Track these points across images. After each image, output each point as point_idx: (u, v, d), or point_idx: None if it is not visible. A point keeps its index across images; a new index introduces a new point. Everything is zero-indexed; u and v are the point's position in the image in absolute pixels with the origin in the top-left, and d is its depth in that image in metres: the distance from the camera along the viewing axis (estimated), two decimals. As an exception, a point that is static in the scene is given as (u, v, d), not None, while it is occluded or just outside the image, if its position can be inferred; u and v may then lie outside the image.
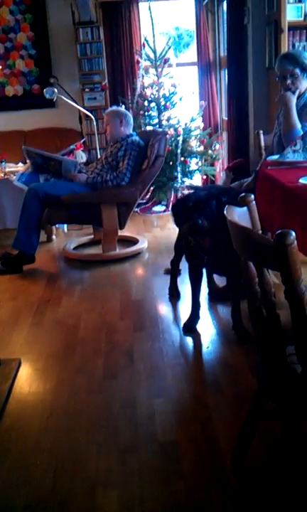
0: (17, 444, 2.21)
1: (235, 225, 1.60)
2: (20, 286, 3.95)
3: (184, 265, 4.04)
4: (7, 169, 4.98)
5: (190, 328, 3.10)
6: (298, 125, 3.32)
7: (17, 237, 4.23)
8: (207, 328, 3.11)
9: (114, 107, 4.88)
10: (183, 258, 3.39)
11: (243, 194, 1.86)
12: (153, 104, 5.93)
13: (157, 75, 5.86)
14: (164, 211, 5.85)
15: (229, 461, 1.98)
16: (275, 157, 3.21)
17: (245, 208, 1.84)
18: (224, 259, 2.81)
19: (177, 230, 4.83)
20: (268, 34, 4.89)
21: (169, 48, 5.89)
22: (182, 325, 3.14)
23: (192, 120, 5.91)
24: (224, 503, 1.84)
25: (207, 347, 2.91)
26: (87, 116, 5.69)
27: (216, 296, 3.46)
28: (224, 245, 2.59)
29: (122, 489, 1.92)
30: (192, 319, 3.12)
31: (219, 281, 3.70)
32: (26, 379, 2.72)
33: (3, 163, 5.02)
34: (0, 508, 1.88)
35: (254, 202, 1.85)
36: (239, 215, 1.75)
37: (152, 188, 5.73)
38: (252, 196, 1.85)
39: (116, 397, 2.48)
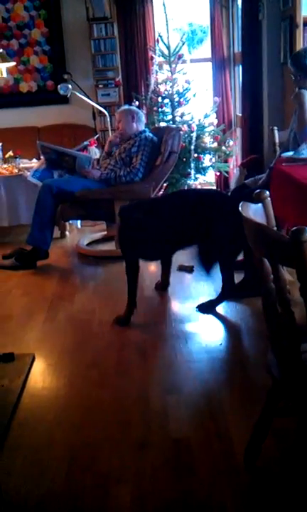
0: (30, 439, 2.22)
1: (250, 222, 1.59)
2: (33, 282, 3.97)
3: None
4: (21, 165, 5.00)
5: (123, 321, 3.21)
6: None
7: (31, 232, 4.25)
8: (220, 325, 3.11)
9: (126, 106, 4.88)
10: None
11: (258, 191, 1.85)
12: (166, 101, 5.90)
13: (171, 71, 5.84)
14: (177, 208, 5.83)
15: (242, 458, 1.98)
16: (290, 153, 3.19)
17: (260, 205, 1.83)
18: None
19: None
20: (284, 30, 4.84)
21: (183, 43, 5.87)
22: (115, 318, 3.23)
23: (206, 116, 5.88)
24: (236, 499, 1.83)
25: (220, 344, 2.90)
26: (101, 112, 5.69)
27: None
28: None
29: (135, 484, 1.92)
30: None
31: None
32: (40, 374, 2.74)
33: (17, 159, 5.04)
34: (14, 501, 1.89)
35: (269, 198, 1.84)
36: (254, 211, 1.74)
37: (165, 185, 5.71)
38: (267, 193, 1.84)
39: (129, 393, 2.48)
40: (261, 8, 5.15)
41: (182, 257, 4.24)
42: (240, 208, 1.69)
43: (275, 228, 1.84)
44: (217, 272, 3.89)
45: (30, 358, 2.83)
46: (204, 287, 3.68)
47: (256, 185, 3.68)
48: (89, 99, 5.71)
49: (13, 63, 5.24)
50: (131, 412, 2.34)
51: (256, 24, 5.22)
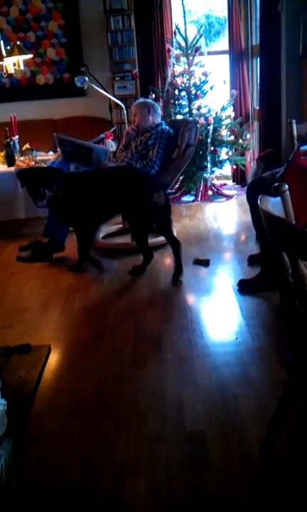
0: (46, 430, 2.24)
1: (269, 215, 1.58)
2: (50, 274, 3.99)
3: (214, 257, 4.03)
4: (38, 158, 5.01)
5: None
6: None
7: (47, 225, 4.27)
8: (236, 319, 3.10)
9: (142, 99, 4.86)
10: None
11: (277, 184, 1.84)
12: (183, 93, 5.88)
13: (188, 64, 5.81)
14: (193, 201, 5.82)
15: (257, 453, 1.98)
16: (308, 147, 3.16)
17: (278, 198, 1.82)
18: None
19: (205, 219, 4.81)
20: (303, 21, 4.79)
21: (200, 36, 5.83)
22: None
23: (223, 109, 5.85)
24: (250, 493, 1.83)
25: (236, 338, 2.89)
26: (117, 104, 5.68)
27: (245, 288, 3.43)
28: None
29: (150, 477, 1.93)
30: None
31: (248, 273, 3.68)
32: (56, 365, 2.75)
33: (34, 152, 5.05)
34: (30, 492, 1.91)
35: (287, 192, 1.83)
36: (272, 204, 1.72)
37: (181, 178, 5.70)
38: (286, 186, 1.82)
39: (145, 386, 2.49)
40: (280, -1, 5.09)
41: (197, 250, 4.24)
42: (259, 202, 1.68)
43: (294, 222, 1.82)
44: (234, 266, 3.90)
45: (46, 350, 2.84)
46: (219, 280, 3.67)
47: (273, 178, 3.65)
48: (106, 91, 5.70)
49: (30, 56, 5.24)
50: (147, 405, 2.35)
51: (275, 16, 5.16)
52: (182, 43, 5.80)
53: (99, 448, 2.10)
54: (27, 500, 1.88)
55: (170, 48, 5.94)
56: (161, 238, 4.48)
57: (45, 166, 4.50)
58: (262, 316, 3.10)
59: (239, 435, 2.12)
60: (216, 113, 5.78)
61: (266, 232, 1.61)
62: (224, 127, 5.81)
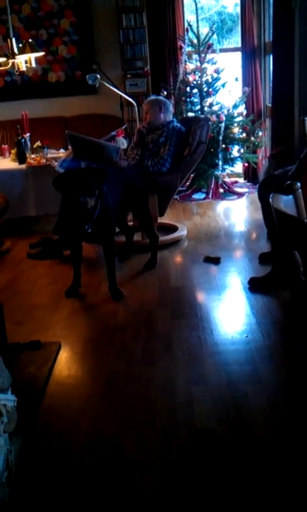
0: (56, 426, 2.25)
1: (281, 213, 1.57)
2: (60, 271, 4.00)
3: (224, 255, 4.03)
4: (49, 155, 5.02)
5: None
6: None
7: (57, 222, 4.27)
8: (246, 318, 3.09)
9: (153, 96, 4.85)
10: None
11: (289, 182, 1.83)
12: (195, 91, 5.87)
13: (200, 61, 5.79)
14: (204, 199, 5.81)
15: (267, 451, 1.97)
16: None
17: (291, 196, 1.81)
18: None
19: (216, 217, 4.82)
20: (316, 18, 4.75)
21: (213, 33, 5.81)
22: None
23: (235, 107, 5.83)
24: (260, 492, 1.82)
25: (246, 336, 2.88)
26: (129, 102, 5.67)
27: (255, 286, 3.42)
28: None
29: (159, 474, 1.93)
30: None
31: (259, 271, 3.67)
32: (66, 362, 2.76)
33: (45, 149, 5.06)
34: (40, 488, 1.92)
35: (300, 190, 1.82)
36: (284, 203, 1.72)
37: (192, 175, 5.68)
38: (298, 184, 1.81)
39: (155, 383, 2.49)
40: (293, -5, 5.05)
41: (208, 248, 4.24)
42: (271, 200, 1.67)
43: (306, 220, 1.81)
44: (245, 264, 3.89)
45: (56, 347, 2.85)
46: (230, 278, 3.66)
47: (285, 176, 3.63)
48: (117, 89, 5.69)
49: (42, 53, 5.24)
50: (157, 403, 2.35)
51: (288, 12, 5.12)
52: (194, 40, 5.78)
53: (109, 444, 2.11)
54: (36, 495, 1.88)
55: (182, 45, 5.92)
56: (172, 236, 4.49)
57: (83, 167, 4.11)
58: (273, 315, 3.09)
59: (248, 433, 2.11)
60: (228, 110, 5.76)
61: (278, 230, 1.60)
62: (236, 125, 5.78)
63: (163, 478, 1.91)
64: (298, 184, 1.83)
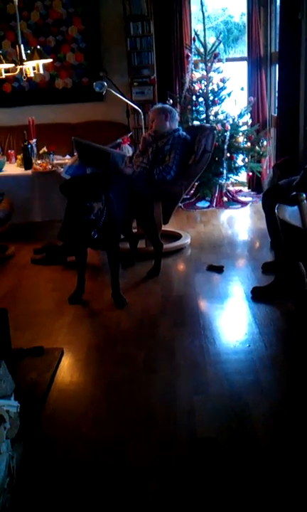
0: (58, 433, 2.25)
1: (286, 224, 1.58)
2: (63, 277, 4.01)
3: (228, 264, 4.03)
4: (55, 161, 5.04)
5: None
6: None
7: (62, 228, 4.29)
8: (248, 327, 3.09)
9: (159, 105, 4.88)
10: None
11: (294, 193, 1.84)
12: (201, 99, 5.89)
13: (206, 70, 5.82)
14: (208, 207, 5.82)
15: (268, 461, 1.97)
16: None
17: (296, 207, 1.82)
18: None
19: (219, 225, 4.82)
20: (323, 29, 4.78)
21: (219, 42, 5.85)
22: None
23: (241, 116, 5.85)
24: (262, 500, 1.82)
25: (248, 345, 2.89)
26: (135, 110, 5.70)
27: (258, 296, 3.42)
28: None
29: (160, 482, 1.93)
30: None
31: (262, 281, 3.67)
32: (68, 369, 2.76)
33: (51, 155, 5.09)
34: (42, 495, 1.92)
35: (305, 201, 1.83)
36: (290, 213, 1.73)
37: (197, 184, 5.70)
38: (304, 195, 1.82)
39: (156, 392, 2.49)
40: (300, 7, 5.08)
41: (211, 256, 4.25)
42: (276, 210, 1.68)
43: (311, 231, 1.82)
44: (248, 273, 3.89)
45: (59, 353, 2.86)
46: (233, 287, 3.66)
47: (289, 186, 3.64)
48: (124, 96, 5.73)
49: (49, 60, 5.28)
50: (158, 411, 2.35)
51: (295, 24, 5.16)
52: (201, 50, 5.81)
53: (110, 452, 2.11)
54: (38, 502, 1.88)
55: (189, 54, 5.96)
56: (176, 243, 4.50)
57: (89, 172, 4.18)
58: (275, 324, 3.08)
59: (249, 443, 2.11)
60: (233, 119, 5.78)
61: (283, 241, 1.61)
62: (241, 134, 5.81)
63: (164, 487, 1.91)
64: (304, 195, 1.84)
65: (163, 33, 6.13)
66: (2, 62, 4.92)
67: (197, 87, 5.89)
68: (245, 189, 6.47)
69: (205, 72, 5.84)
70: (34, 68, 5.03)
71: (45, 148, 5.17)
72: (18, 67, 4.96)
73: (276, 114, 5.86)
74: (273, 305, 3.31)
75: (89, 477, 1.98)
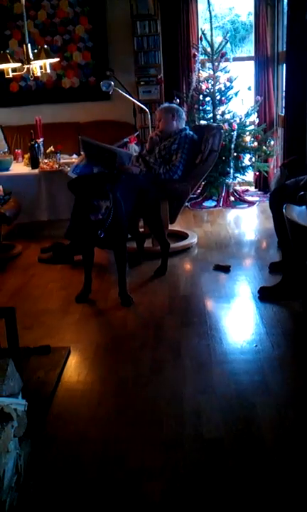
0: (64, 432, 2.25)
1: (295, 224, 1.57)
2: (70, 276, 4.02)
3: (234, 263, 4.02)
4: (62, 160, 5.05)
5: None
6: None
7: (69, 227, 4.29)
8: (255, 327, 3.08)
9: (166, 104, 4.87)
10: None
11: (302, 193, 1.83)
12: (208, 99, 5.89)
13: (213, 69, 5.81)
14: (215, 206, 5.82)
15: (275, 462, 1.96)
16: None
17: (304, 207, 1.81)
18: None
19: (226, 225, 4.81)
20: (331, 29, 4.76)
21: (227, 41, 5.84)
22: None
23: (248, 115, 5.84)
24: (268, 502, 1.82)
25: (255, 345, 2.88)
26: (142, 109, 5.70)
27: (265, 295, 3.41)
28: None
29: (166, 482, 1.93)
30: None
31: (269, 280, 3.66)
32: (75, 368, 2.77)
33: (58, 155, 5.10)
34: (46, 495, 1.92)
35: (313, 201, 1.82)
36: (298, 213, 1.72)
37: (203, 183, 5.70)
38: (312, 195, 1.82)
39: (163, 392, 2.49)
40: (308, 6, 5.07)
41: (218, 256, 4.24)
42: (284, 210, 1.68)
43: (319, 231, 1.81)
44: (255, 273, 3.89)
45: (66, 352, 2.86)
46: (240, 287, 3.66)
47: (297, 186, 3.63)
48: (131, 96, 5.73)
49: (56, 59, 5.29)
50: (164, 411, 2.34)
51: (302, 24, 5.14)
52: (208, 49, 5.80)
53: (116, 452, 2.11)
54: (45, 500, 1.89)
55: (196, 53, 5.95)
56: (182, 243, 4.50)
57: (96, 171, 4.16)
58: (283, 325, 3.08)
59: (256, 444, 2.11)
60: (240, 119, 5.77)
61: (291, 241, 1.61)
62: (247, 133, 5.80)
63: (169, 488, 1.90)
64: (312, 195, 1.83)
65: (170, 32, 6.13)
66: (9, 62, 4.93)
67: (204, 87, 5.89)
68: (252, 189, 6.46)
69: (211, 72, 5.83)
70: (41, 67, 5.04)
71: (51, 148, 5.18)
72: (25, 66, 4.97)
73: (283, 114, 5.85)
74: (280, 305, 3.30)
75: (95, 476, 1.98)
